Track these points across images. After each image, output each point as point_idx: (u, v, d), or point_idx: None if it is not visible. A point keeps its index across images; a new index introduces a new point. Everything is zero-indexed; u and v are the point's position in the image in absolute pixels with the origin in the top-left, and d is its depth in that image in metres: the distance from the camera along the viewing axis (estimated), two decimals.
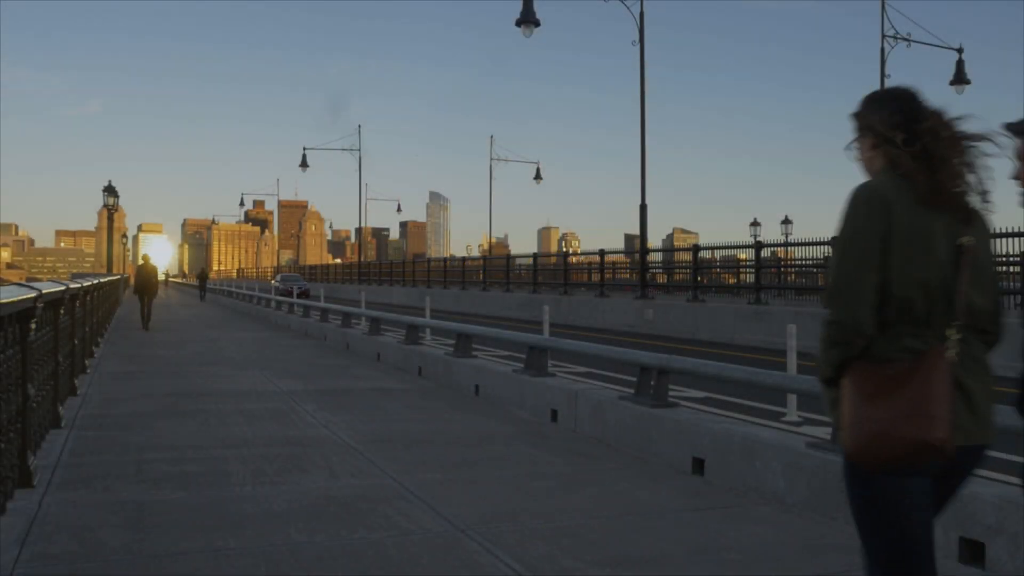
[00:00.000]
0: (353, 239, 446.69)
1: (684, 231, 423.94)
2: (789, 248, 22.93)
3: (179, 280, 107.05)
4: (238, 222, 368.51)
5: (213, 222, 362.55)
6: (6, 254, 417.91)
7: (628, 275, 29.68)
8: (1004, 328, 2.31)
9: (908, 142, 2.23)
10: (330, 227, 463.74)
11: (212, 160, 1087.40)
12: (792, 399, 8.19)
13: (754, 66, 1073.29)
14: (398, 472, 5.88)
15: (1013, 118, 2.48)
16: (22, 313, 5.19)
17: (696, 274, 21.06)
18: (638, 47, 21.81)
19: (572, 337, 13.91)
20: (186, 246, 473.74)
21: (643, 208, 22.33)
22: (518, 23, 21.08)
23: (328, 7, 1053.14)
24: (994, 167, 2.30)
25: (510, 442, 7.11)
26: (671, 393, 7.27)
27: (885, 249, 2.16)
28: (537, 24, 21.09)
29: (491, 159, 50.65)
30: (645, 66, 22.02)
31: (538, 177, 48.11)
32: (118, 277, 32.44)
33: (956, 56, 25.59)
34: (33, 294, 5.36)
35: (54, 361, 7.33)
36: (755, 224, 56.84)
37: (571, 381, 8.71)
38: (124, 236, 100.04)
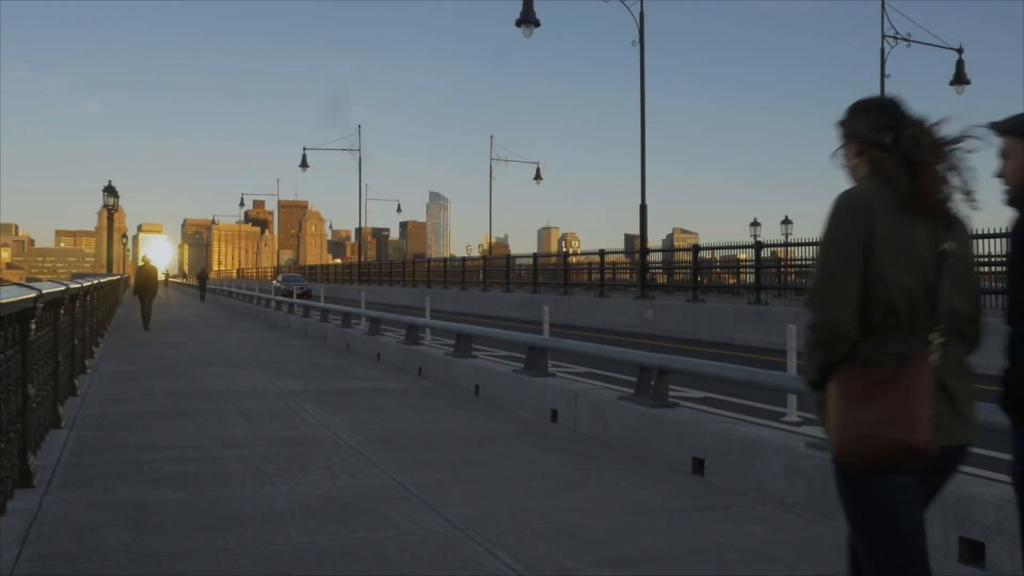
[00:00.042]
0: (353, 239, 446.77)
1: (684, 231, 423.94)
2: (789, 248, 22.96)
3: (179, 280, 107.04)
4: (238, 222, 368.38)
5: (213, 222, 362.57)
6: (6, 254, 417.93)
7: (628, 275, 29.71)
8: (984, 331, 2.36)
9: (893, 147, 2.28)
10: (330, 227, 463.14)
11: (212, 160, 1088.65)
12: (792, 399, 8.19)
13: (754, 66, 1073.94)
14: (398, 472, 5.89)
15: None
16: (22, 313, 5.19)
17: (696, 274, 21.06)
18: (638, 47, 21.82)
19: (572, 337, 13.91)
20: (186, 246, 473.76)
21: (643, 208, 22.33)
22: (518, 23, 21.08)
23: (328, 7, 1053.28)
24: (978, 167, 2.35)
25: (510, 442, 7.11)
26: (671, 393, 7.28)
27: (868, 254, 2.20)
28: (537, 24, 21.08)
29: (491, 159, 50.68)
30: (645, 66, 22.02)
31: (538, 177, 48.11)
32: (118, 277, 32.45)
33: (956, 56, 25.60)
34: (33, 294, 5.36)
35: (54, 361, 7.33)
36: (755, 224, 56.85)
37: (571, 381, 8.71)
38: (124, 236, 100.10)
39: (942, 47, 25.73)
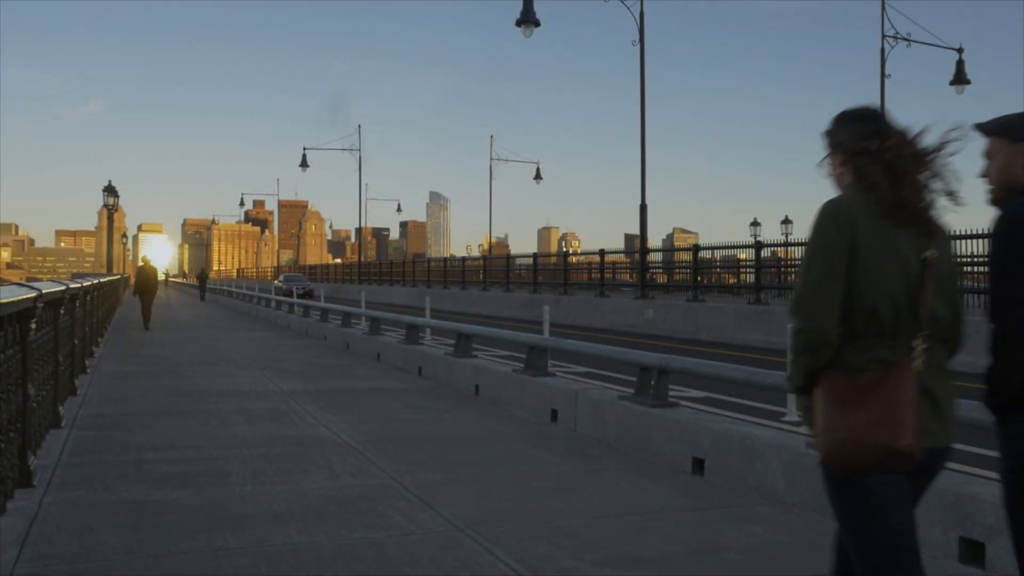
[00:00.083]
0: (353, 239, 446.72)
1: (684, 231, 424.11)
2: (789, 248, 22.92)
3: (179, 280, 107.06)
4: (238, 222, 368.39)
5: (213, 222, 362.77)
6: (6, 254, 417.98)
7: (628, 275, 29.69)
8: (964, 336, 2.42)
9: (876, 156, 2.33)
10: (330, 227, 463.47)
11: (212, 160, 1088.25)
12: (792, 399, 8.18)
13: (754, 66, 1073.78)
14: (398, 472, 5.89)
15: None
16: (22, 313, 5.19)
17: (696, 274, 21.06)
18: (638, 47, 21.82)
19: (572, 337, 13.91)
20: (186, 246, 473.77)
21: (643, 208, 22.33)
22: (518, 23, 21.08)
23: (328, 7, 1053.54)
24: (961, 169, 2.40)
25: (510, 442, 7.11)
26: (671, 393, 7.27)
27: (852, 262, 2.25)
28: (537, 24, 21.09)
29: (491, 159, 50.68)
30: (645, 66, 22.02)
31: (538, 177, 48.11)
32: (118, 277, 32.44)
33: (956, 56, 25.60)
34: (33, 294, 5.36)
35: (54, 361, 7.33)
36: (755, 224, 56.86)
37: (571, 381, 8.71)
38: (124, 236, 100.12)
39: (942, 47, 25.74)
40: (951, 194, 2.36)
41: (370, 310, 17.66)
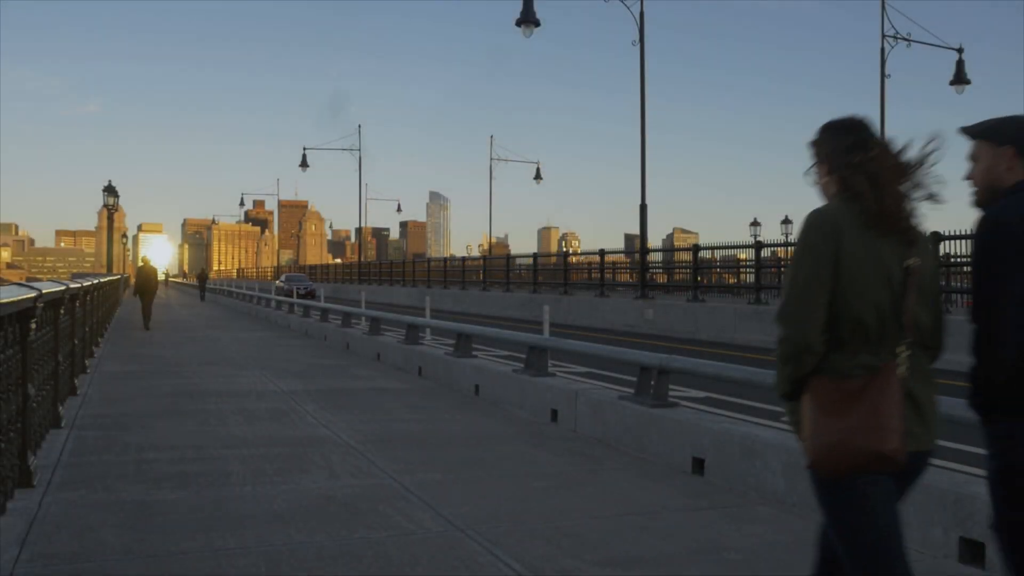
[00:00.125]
0: (353, 239, 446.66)
1: (684, 231, 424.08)
2: (789, 248, 22.92)
3: (179, 280, 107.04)
4: (238, 222, 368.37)
5: (213, 222, 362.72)
6: (6, 254, 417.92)
7: (628, 275, 29.69)
8: (945, 341, 2.47)
9: (855, 172, 2.39)
10: (330, 227, 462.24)
11: (212, 160, 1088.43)
12: None
13: (754, 66, 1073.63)
14: (398, 472, 5.89)
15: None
16: (22, 313, 5.19)
17: (696, 274, 21.06)
18: (638, 47, 21.81)
19: (572, 337, 13.91)
20: (186, 246, 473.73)
21: (643, 208, 22.33)
22: (518, 23, 21.08)
23: (328, 7, 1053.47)
24: (952, 171, 2.47)
25: (510, 442, 7.11)
26: (671, 393, 7.27)
27: (836, 271, 2.30)
28: (537, 24, 21.08)
29: (491, 159, 50.67)
30: (645, 66, 22.02)
31: (538, 177, 48.09)
32: (118, 277, 32.44)
33: (956, 56, 25.60)
34: (33, 294, 5.36)
35: (54, 361, 7.33)
36: (755, 224, 56.85)
37: (571, 381, 8.71)
38: (124, 236, 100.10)
39: (942, 47, 25.73)
40: (932, 196, 2.42)
41: (370, 310, 17.66)
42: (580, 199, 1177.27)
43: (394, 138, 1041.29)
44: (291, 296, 29.62)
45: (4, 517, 4.63)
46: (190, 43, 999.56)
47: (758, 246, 19.76)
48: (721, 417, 7.10)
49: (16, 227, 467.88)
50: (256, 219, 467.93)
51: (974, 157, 2.57)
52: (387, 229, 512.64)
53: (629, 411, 6.85)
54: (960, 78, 25.52)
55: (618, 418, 6.98)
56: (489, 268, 35.69)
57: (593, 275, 27.52)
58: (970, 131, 2.59)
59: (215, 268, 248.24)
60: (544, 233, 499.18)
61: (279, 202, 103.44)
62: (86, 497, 5.18)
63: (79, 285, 10.39)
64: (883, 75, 24.02)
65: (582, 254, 34.25)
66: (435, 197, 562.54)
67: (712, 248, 22.15)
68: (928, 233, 2.50)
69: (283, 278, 48.93)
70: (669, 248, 75.28)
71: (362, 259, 58.56)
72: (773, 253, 22.00)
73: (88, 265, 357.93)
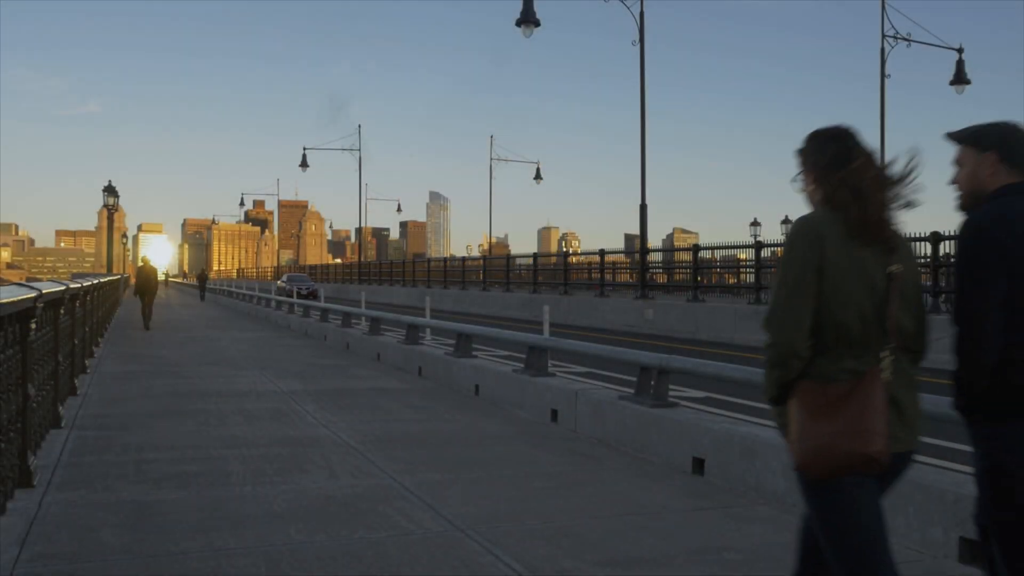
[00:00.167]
0: (353, 239, 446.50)
1: (684, 231, 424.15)
2: None
3: (179, 280, 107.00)
4: (238, 222, 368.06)
5: (213, 222, 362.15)
6: (6, 254, 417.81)
7: (628, 275, 29.67)
8: (928, 345, 2.52)
9: (839, 182, 2.44)
10: (330, 227, 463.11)
11: (212, 160, 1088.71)
12: None
13: (754, 66, 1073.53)
14: (398, 472, 5.88)
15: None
16: (22, 313, 5.19)
17: (696, 274, 21.05)
18: (638, 47, 21.81)
19: (572, 337, 13.91)
20: (186, 246, 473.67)
21: (643, 208, 22.33)
22: (518, 23, 21.08)
23: (328, 7, 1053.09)
24: (936, 174, 2.54)
25: (510, 442, 7.11)
26: (671, 393, 7.27)
27: (821, 279, 2.36)
28: (537, 24, 21.08)
29: (491, 159, 50.69)
30: (645, 66, 22.01)
31: (538, 177, 48.09)
32: (118, 277, 32.44)
33: (956, 56, 25.60)
34: (33, 294, 5.36)
35: (54, 361, 7.33)
36: (755, 224, 56.87)
37: (571, 381, 8.71)
38: (124, 236, 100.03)
39: (942, 47, 25.74)
40: (908, 205, 2.48)
41: (370, 310, 17.66)
42: (580, 199, 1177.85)
43: (394, 138, 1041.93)
44: (293, 296, 29.57)
45: (4, 517, 4.63)
46: (190, 43, 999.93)
47: (758, 246, 19.75)
48: (721, 417, 7.10)
49: (16, 227, 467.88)
50: (256, 219, 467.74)
51: (958, 162, 2.64)
52: (387, 229, 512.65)
53: (629, 411, 6.85)
54: (960, 78, 25.52)
55: (618, 418, 6.97)
56: (489, 268, 35.69)
57: (593, 275, 27.52)
58: (955, 137, 2.66)
59: (215, 268, 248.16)
60: (544, 233, 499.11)
61: (279, 202, 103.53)
62: (86, 497, 5.18)
63: (79, 285, 10.38)
64: (883, 75, 24.03)
65: (582, 254, 34.24)
66: (435, 197, 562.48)
67: (712, 248, 22.14)
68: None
69: (285, 278, 48.82)
70: (669, 248, 75.26)
71: (362, 259, 58.56)
72: (773, 253, 22.00)
73: (88, 265, 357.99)
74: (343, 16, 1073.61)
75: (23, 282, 6.33)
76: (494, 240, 66.70)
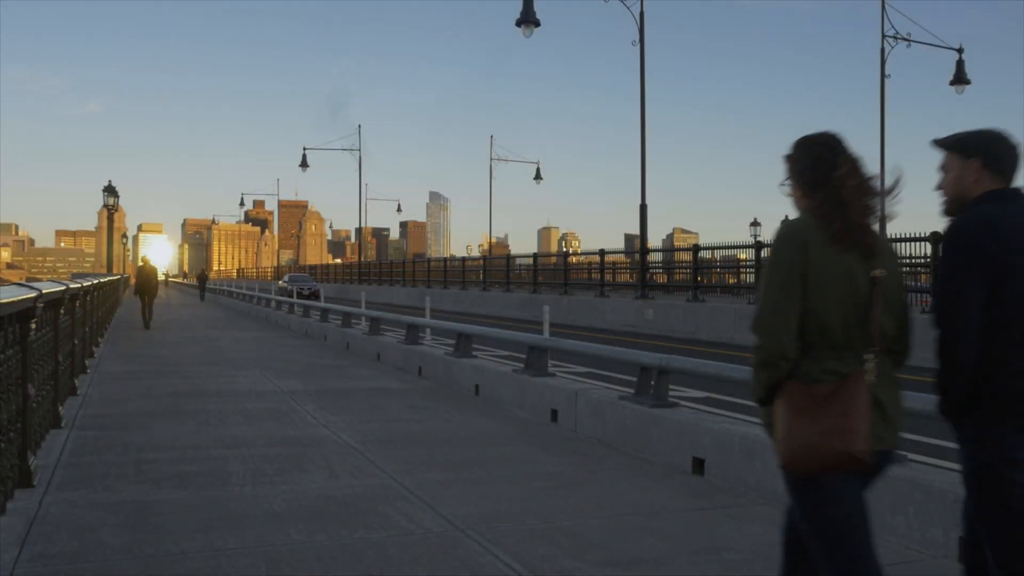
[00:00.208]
0: (353, 239, 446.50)
1: (684, 231, 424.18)
2: None
3: (179, 280, 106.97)
4: (238, 222, 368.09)
5: (213, 222, 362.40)
6: (6, 254, 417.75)
7: (628, 275, 29.66)
8: (911, 347, 2.59)
9: (823, 189, 2.51)
10: (330, 227, 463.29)
11: (212, 160, 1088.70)
12: None
13: (754, 66, 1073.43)
14: (398, 472, 5.88)
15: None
16: (22, 313, 5.19)
17: (696, 274, 21.05)
18: (638, 47, 21.81)
19: (572, 337, 13.91)
20: (186, 246, 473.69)
21: (643, 208, 22.32)
22: (518, 23, 21.08)
23: (329, 7, 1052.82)
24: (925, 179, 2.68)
25: (510, 442, 7.11)
26: (671, 393, 7.27)
27: (805, 283, 2.43)
28: (537, 24, 21.08)
29: (491, 159, 50.66)
30: (645, 66, 22.01)
31: (538, 177, 48.07)
32: (118, 277, 32.44)
33: (956, 56, 25.59)
34: (33, 294, 5.36)
35: (54, 361, 7.33)
36: (755, 224, 56.87)
37: (571, 381, 8.71)
38: (124, 236, 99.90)
39: (942, 47, 25.74)
40: (885, 216, 2.58)
41: (370, 310, 17.66)
42: (580, 199, 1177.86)
43: (394, 138, 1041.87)
44: (298, 296, 29.50)
45: (4, 517, 4.63)
46: (190, 43, 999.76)
47: (758, 246, 19.74)
48: (721, 417, 7.10)
49: (16, 227, 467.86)
50: (256, 219, 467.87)
51: (944, 168, 2.72)
52: (387, 229, 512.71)
53: (629, 411, 6.85)
54: (960, 78, 25.52)
55: (618, 418, 6.97)
56: (489, 268, 35.67)
57: (593, 275, 27.50)
58: (940, 143, 2.73)
59: (215, 268, 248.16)
60: (544, 233, 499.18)
61: (279, 202, 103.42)
62: (86, 497, 5.18)
63: (79, 285, 10.38)
64: (883, 75, 24.02)
65: (582, 254, 34.22)
66: (435, 197, 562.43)
67: (712, 248, 22.13)
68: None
69: (286, 278, 48.77)
70: (669, 248, 75.25)
71: (362, 259, 58.54)
72: None
73: (88, 265, 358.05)
74: (343, 16, 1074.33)
75: (23, 282, 6.32)
76: (494, 240, 66.69)
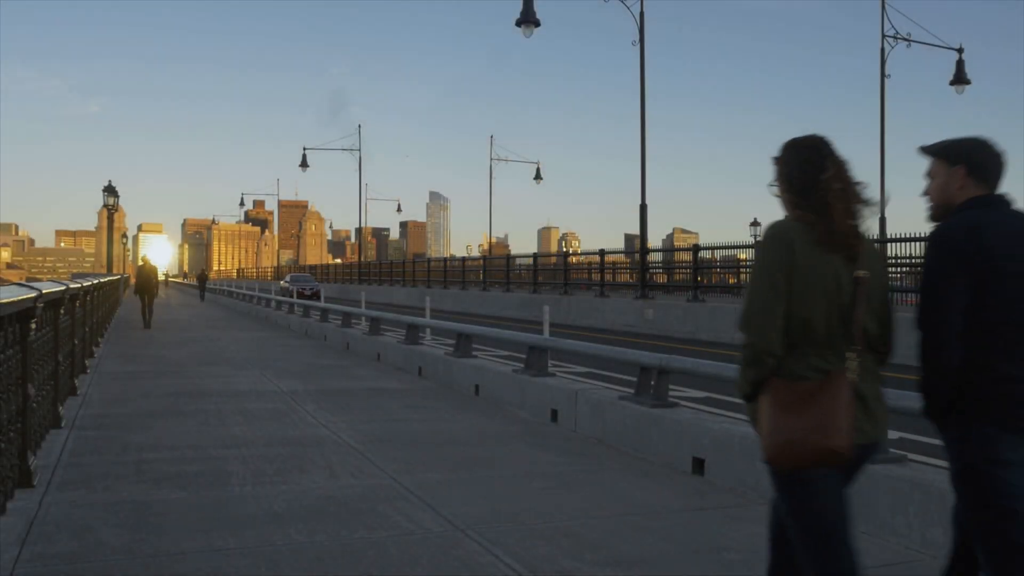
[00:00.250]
0: (353, 239, 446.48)
1: (684, 231, 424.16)
2: None
3: (179, 280, 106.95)
4: (238, 222, 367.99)
5: (213, 222, 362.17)
6: (6, 254, 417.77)
7: (628, 275, 29.65)
8: (895, 345, 2.65)
9: (809, 192, 2.56)
10: (330, 227, 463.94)
11: (212, 160, 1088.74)
12: None
13: (754, 66, 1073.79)
14: (398, 472, 5.88)
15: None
16: (22, 313, 5.19)
17: (696, 274, 21.03)
18: (638, 47, 21.80)
19: (572, 337, 13.91)
20: (186, 246, 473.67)
21: (643, 208, 22.31)
22: (518, 23, 21.07)
23: (328, 8, 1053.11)
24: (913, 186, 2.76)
25: (510, 442, 7.11)
26: (671, 393, 7.27)
27: (790, 281, 2.49)
28: (537, 24, 21.07)
29: (491, 159, 50.64)
30: (645, 66, 22.00)
31: (538, 177, 48.05)
32: (118, 277, 32.43)
33: (956, 56, 25.59)
34: (33, 294, 5.36)
35: (54, 361, 7.33)
36: (755, 224, 56.84)
37: (571, 381, 8.71)
38: (124, 236, 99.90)
39: (942, 47, 25.74)
40: (866, 226, 2.61)
41: (370, 310, 17.65)
42: (580, 199, 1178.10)
43: (394, 138, 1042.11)
44: (299, 296, 29.47)
45: (4, 517, 4.63)
46: (190, 43, 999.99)
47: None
48: (721, 417, 7.10)
49: (16, 227, 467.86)
50: (256, 219, 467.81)
51: (930, 175, 2.77)
52: (387, 229, 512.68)
53: (629, 411, 6.85)
54: (960, 78, 25.51)
55: (618, 418, 6.97)
56: (489, 268, 35.65)
57: (593, 275, 27.48)
58: (927, 150, 2.79)
59: (215, 268, 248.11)
60: (544, 233, 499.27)
61: (279, 202, 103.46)
62: (86, 497, 5.18)
63: (79, 285, 10.38)
64: (883, 75, 24.02)
65: (582, 254, 34.17)
66: (435, 197, 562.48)
67: (712, 248, 22.11)
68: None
69: (288, 278, 48.71)
70: (669, 248, 75.22)
71: (362, 259, 58.52)
72: None
73: (88, 265, 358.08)
74: (343, 16, 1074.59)
75: (23, 282, 6.32)
76: (494, 240, 66.68)
